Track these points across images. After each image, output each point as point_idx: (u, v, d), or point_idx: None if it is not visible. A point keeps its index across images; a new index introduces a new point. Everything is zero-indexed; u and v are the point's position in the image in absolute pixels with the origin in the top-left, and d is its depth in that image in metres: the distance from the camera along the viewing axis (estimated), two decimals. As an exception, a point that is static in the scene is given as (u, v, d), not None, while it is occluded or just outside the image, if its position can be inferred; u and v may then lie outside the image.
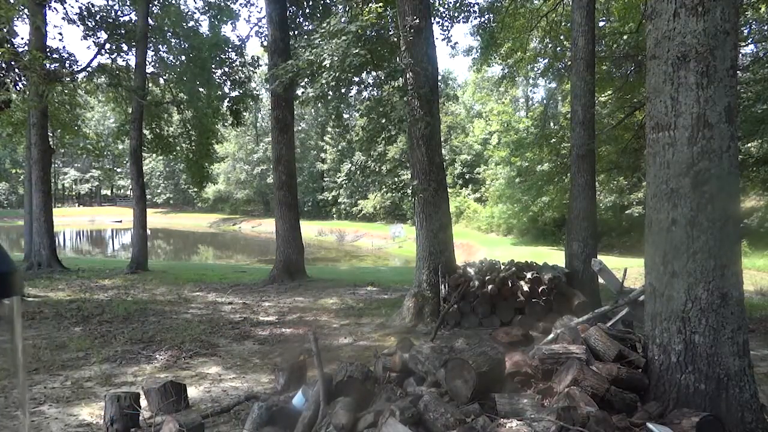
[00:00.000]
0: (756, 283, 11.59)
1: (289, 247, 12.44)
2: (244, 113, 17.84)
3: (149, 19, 14.45)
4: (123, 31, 14.30)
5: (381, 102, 8.68)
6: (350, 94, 9.81)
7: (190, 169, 17.74)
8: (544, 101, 21.53)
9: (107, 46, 14.45)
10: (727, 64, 2.89)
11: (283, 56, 11.56)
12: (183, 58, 16.12)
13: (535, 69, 16.43)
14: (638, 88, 11.88)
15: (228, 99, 16.41)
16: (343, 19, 8.82)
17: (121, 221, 47.21)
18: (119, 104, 16.77)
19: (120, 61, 15.28)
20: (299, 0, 13.62)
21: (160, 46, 16.07)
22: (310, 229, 33.06)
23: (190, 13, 16.44)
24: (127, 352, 6.11)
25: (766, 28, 12.46)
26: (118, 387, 4.83)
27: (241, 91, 16.36)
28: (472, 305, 7.10)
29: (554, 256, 13.18)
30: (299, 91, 12.56)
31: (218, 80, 16.28)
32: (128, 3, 15.23)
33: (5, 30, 10.64)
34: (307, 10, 13.92)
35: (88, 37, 14.08)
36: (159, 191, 61.67)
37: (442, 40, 14.27)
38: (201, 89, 15.94)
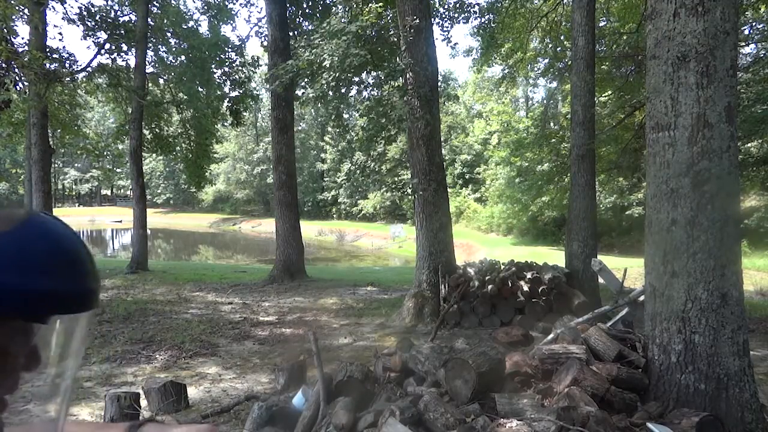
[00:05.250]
0: (756, 283, 11.59)
1: (289, 247, 12.44)
2: (244, 113, 17.83)
3: (149, 20, 14.44)
4: (123, 31, 14.29)
5: (381, 102, 8.69)
6: (350, 94, 9.81)
7: (189, 168, 17.73)
8: (544, 101, 21.52)
9: (107, 46, 14.44)
10: (727, 64, 2.89)
11: (283, 56, 11.56)
12: (183, 58, 16.10)
13: (535, 69, 16.44)
14: (638, 88, 11.86)
15: (228, 99, 16.40)
16: (343, 19, 8.82)
17: (121, 221, 47.19)
18: (119, 104, 16.76)
19: (120, 61, 15.27)
20: (299, 0, 13.61)
21: (159, 47, 16.06)
22: (310, 229, 33.05)
23: (189, 13, 16.45)
24: (127, 352, 6.11)
25: (766, 27, 12.44)
26: (118, 387, 4.83)
27: (241, 91, 16.35)
28: (472, 305, 7.10)
29: (554, 256, 13.17)
30: (299, 91, 12.55)
31: (218, 80, 16.27)
32: (127, 3, 15.22)
33: (5, 30, 10.64)
34: (307, 10, 13.91)
35: (87, 37, 14.08)
36: (159, 191, 61.63)
37: (442, 40, 14.27)
38: (201, 89, 15.93)
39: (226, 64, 15.90)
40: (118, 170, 49.37)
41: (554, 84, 17.77)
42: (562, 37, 13.61)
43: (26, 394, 4.60)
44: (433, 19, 9.89)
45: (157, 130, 16.75)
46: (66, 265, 0.63)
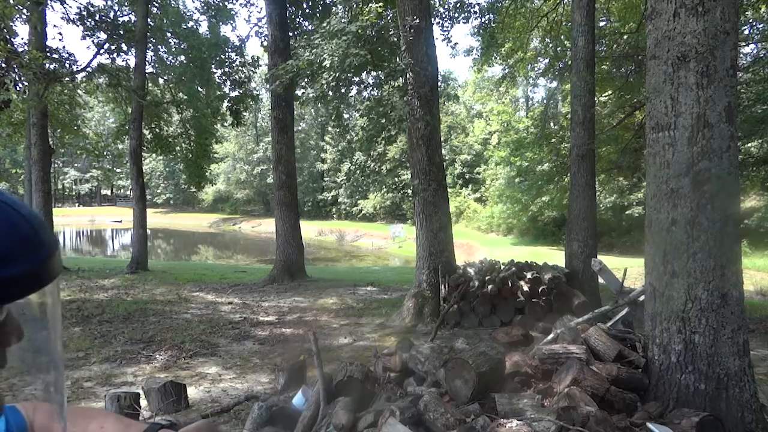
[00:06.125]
0: (756, 283, 11.58)
1: (289, 247, 12.44)
2: (244, 113, 17.83)
3: (148, 20, 14.44)
4: (122, 32, 14.30)
5: (381, 102, 8.70)
6: (350, 94, 9.81)
7: (189, 168, 17.74)
8: (544, 101, 21.52)
9: (107, 46, 14.44)
10: (727, 64, 2.89)
11: (283, 56, 11.56)
12: (182, 58, 16.11)
13: (535, 69, 16.43)
14: (638, 88, 11.85)
15: (228, 99, 16.41)
16: (343, 19, 8.82)
17: (121, 221, 47.18)
18: (119, 104, 16.75)
19: (120, 61, 15.29)
20: (299, 0, 13.61)
21: (159, 47, 16.07)
22: (310, 229, 33.06)
23: (189, 13, 16.45)
24: (127, 352, 6.11)
25: (766, 27, 12.44)
26: (118, 387, 4.83)
27: (241, 91, 16.35)
28: (472, 305, 7.10)
29: (554, 256, 13.17)
30: (299, 91, 12.55)
31: (218, 80, 16.27)
32: (127, 3, 15.22)
33: (4, 30, 10.63)
34: (307, 10, 13.91)
35: (87, 37, 14.08)
36: (159, 191, 61.63)
37: (442, 40, 14.28)
38: (201, 89, 15.93)
39: (226, 64, 15.90)
40: (118, 170, 49.37)
41: (554, 84, 17.77)
42: (562, 37, 13.61)
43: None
44: (433, 19, 9.90)
45: (157, 130, 16.75)
46: (7, 247, 0.54)
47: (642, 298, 4.03)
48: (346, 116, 13.10)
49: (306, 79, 9.50)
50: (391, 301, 9.22)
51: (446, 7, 13.54)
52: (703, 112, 2.90)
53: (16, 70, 10.68)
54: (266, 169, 47.05)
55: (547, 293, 7.07)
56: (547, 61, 15.14)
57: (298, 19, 13.98)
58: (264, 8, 12.95)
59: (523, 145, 17.61)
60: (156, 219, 46.58)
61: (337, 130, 12.57)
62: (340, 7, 12.37)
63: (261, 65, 17.58)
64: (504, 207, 27.85)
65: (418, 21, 7.26)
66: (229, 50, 15.90)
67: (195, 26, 16.06)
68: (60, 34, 41.66)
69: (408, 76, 7.47)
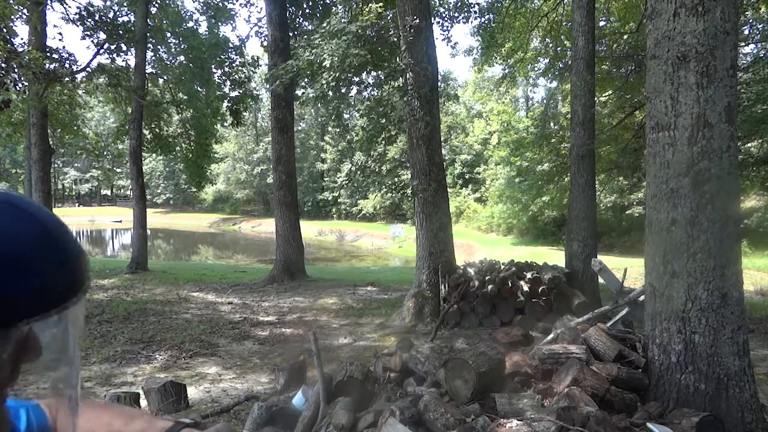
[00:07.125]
0: (756, 283, 11.58)
1: (289, 247, 12.44)
2: (244, 113, 17.82)
3: (148, 20, 14.44)
4: (122, 32, 14.29)
5: (381, 102, 8.69)
6: (350, 94, 9.81)
7: (189, 168, 17.74)
8: (544, 101, 21.53)
9: (106, 46, 14.43)
10: (727, 64, 2.89)
11: (283, 56, 11.55)
12: (182, 58, 16.11)
13: (535, 69, 16.44)
14: (638, 88, 11.87)
15: (228, 99, 16.40)
16: (343, 19, 8.82)
17: (121, 221, 47.18)
18: (119, 104, 16.74)
19: (119, 62, 15.27)
20: (299, 0, 13.61)
21: (159, 47, 16.06)
22: (310, 229, 33.06)
23: (189, 13, 16.44)
24: (127, 352, 6.11)
25: (766, 27, 12.45)
26: (118, 387, 4.83)
27: (241, 91, 16.35)
28: (472, 305, 7.10)
29: (554, 256, 13.17)
30: (299, 91, 12.55)
31: (218, 80, 16.27)
32: (126, 3, 15.22)
33: (4, 30, 10.64)
34: (307, 10, 13.91)
35: (87, 37, 14.08)
36: (159, 191, 61.65)
37: (442, 40, 14.28)
38: (200, 89, 15.93)
39: (226, 64, 15.90)
40: (118, 170, 49.41)
41: (554, 84, 17.79)
42: (562, 37, 13.62)
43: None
44: (433, 19, 9.89)
45: (157, 130, 16.75)
46: (42, 255, 0.51)
47: (642, 298, 4.03)
48: (346, 116, 13.09)
49: (306, 79, 9.50)
50: (391, 301, 9.22)
51: (446, 7, 13.53)
52: (703, 112, 2.90)
53: (16, 70, 10.67)
54: (266, 169, 47.05)
55: (547, 293, 7.07)
56: (547, 61, 15.15)
57: (298, 19, 13.98)
58: (264, 8, 12.94)
59: (523, 145, 17.63)
60: (156, 219, 46.59)
61: (337, 130, 12.57)
62: (340, 7, 12.37)
63: (261, 65, 17.57)
64: (504, 207, 27.86)
65: (418, 21, 7.25)
66: (229, 50, 15.89)
67: (195, 26, 16.05)
68: (60, 34, 41.62)
69: (408, 76, 7.46)
